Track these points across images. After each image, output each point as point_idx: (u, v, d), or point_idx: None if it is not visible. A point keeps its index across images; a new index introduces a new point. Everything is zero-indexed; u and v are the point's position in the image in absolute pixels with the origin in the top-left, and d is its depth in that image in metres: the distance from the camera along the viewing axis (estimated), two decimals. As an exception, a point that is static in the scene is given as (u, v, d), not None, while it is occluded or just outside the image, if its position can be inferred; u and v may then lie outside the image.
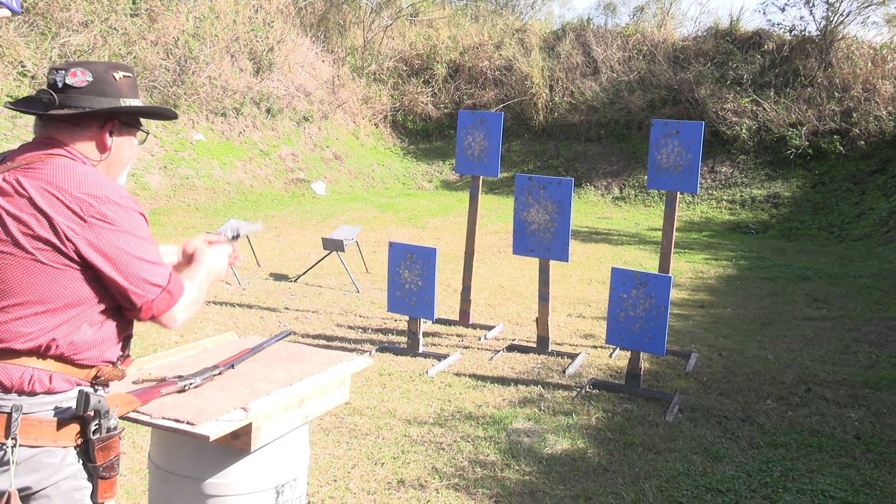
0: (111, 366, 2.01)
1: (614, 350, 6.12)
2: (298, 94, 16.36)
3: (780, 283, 9.09)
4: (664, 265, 5.92)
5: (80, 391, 1.86)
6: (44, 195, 1.81)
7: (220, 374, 2.59)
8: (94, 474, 1.95)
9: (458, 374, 5.38)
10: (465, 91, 19.01)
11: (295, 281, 8.08)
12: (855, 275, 9.61)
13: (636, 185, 15.99)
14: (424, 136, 18.73)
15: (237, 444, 2.33)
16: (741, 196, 14.89)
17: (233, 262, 2.40)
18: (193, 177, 12.62)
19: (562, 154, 17.39)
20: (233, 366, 2.68)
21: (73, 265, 1.83)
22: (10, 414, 1.80)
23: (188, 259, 2.30)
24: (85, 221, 1.82)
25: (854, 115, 14.99)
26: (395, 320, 6.72)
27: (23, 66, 11.90)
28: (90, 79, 1.96)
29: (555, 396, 5.04)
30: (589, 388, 5.20)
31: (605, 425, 4.58)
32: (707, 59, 17.41)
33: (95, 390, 1.97)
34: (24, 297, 1.81)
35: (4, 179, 1.84)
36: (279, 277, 8.23)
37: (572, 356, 5.90)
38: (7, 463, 1.80)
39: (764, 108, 15.86)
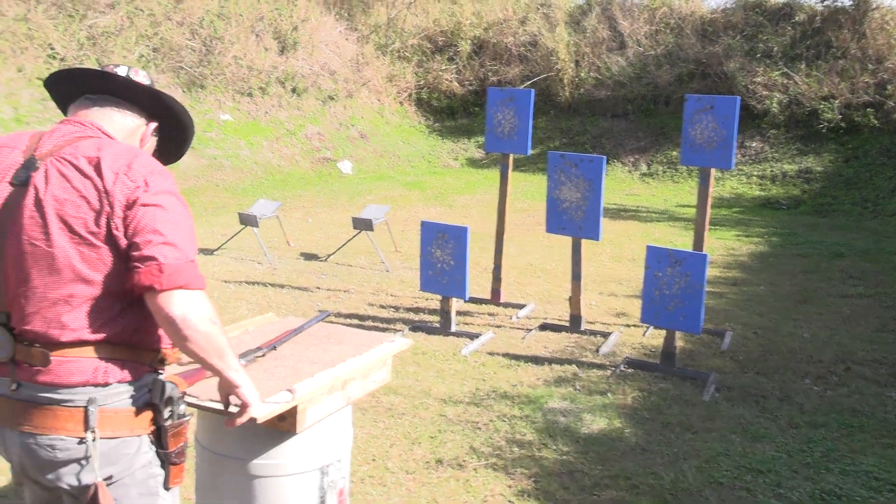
0: (172, 347, 1.98)
1: (647, 328, 6.07)
2: (323, 72, 16.32)
3: (813, 260, 8.95)
4: (698, 243, 5.85)
5: (154, 380, 1.87)
6: (89, 172, 1.77)
7: (263, 355, 2.60)
8: (165, 461, 1.96)
9: (491, 354, 5.37)
10: (489, 67, 18.83)
11: (325, 260, 8.10)
12: (891, 251, 9.43)
13: (664, 161, 15.80)
14: (449, 113, 18.61)
15: (283, 425, 2.34)
16: (772, 171, 14.66)
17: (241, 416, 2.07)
18: (221, 157, 12.67)
19: (588, 130, 17.21)
20: (275, 347, 2.68)
21: (122, 242, 1.77)
22: (86, 408, 1.78)
23: None
24: (130, 189, 1.77)
25: (889, 88, 14.64)
26: (427, 299, 6.72)
27: (52, 49, 11.97)
28: (149, 81, 2.04)
29: (589, 376, 5.02)
30: (623, 367, 5.17)
31: (642, 405, 4.55)
32: (736, 32, 17.07)
33: (160, 374, 1.96)
34: (88, 285, 1.77)
35: (46, 166, 1.79)
36: (309, 257, 8.26)
37: (605, 335, 5.86)
38: (89, 457, 1.80)
39: (795, 82, 15.54)
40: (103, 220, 1.76)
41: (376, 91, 17.72)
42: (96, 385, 1.79)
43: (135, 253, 1.76)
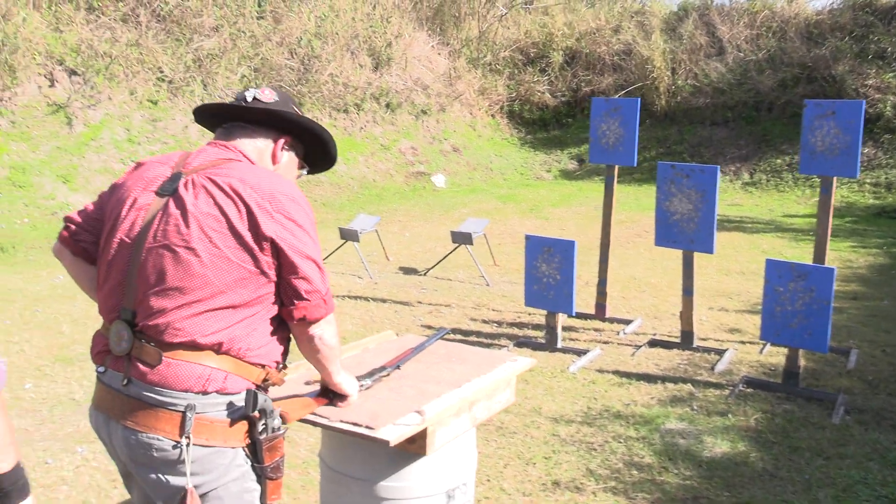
0: (276, 369, 2.01)
1: (764, 346, 5.78)
2: (416, 87, 16.48)
3: (941, 273, 8.38)
4: (820, 255, 5.53)
5: (248, 391, 1.87)
6: (237, 194, 1.87)
7: (387, 375, 2.56)
8: (261, 475, 1.96)
9: (600, 371, 5.21)
10: (582, 78, 18.60)
11: (424, 274, 8.11)
12: None
13: (768, 169, 15.17)
14: (541, 125, 18.47)
15: (412, 447, 2.29)
16: (886, 178, 13.85)
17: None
18: (319, 173, 12.90)
19: (686, 139, 16.73)
20: (398, 366, 2.64)
21: (259, 262, 1.86)
22: (184, 413, 1.83)
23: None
24: (273, 217, 1.87)
25: None
26: (529, 314, 6.61)
27: (161, 72, 12.52)
28: (276, 98, 2.12)
29: (706, 395, 4.80)
30: (742, 386, 4.92)
31: (766, 427, 4.30)
32: (844, 33, 16.28)
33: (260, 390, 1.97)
34: (213, 292, 1.84)
35: (193, 181, 1.91)
36: (408, 271, 8.28)
37: (719, 352, 5.61)
38: (182, 461, 1.83)
39: (911, 83, 14.68)
40: (241, 240, 1.85)
41: (468, 104, 17.77)
42: (197, 392, 1.83)
43: (300, 283, 1.90)
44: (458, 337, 5.90)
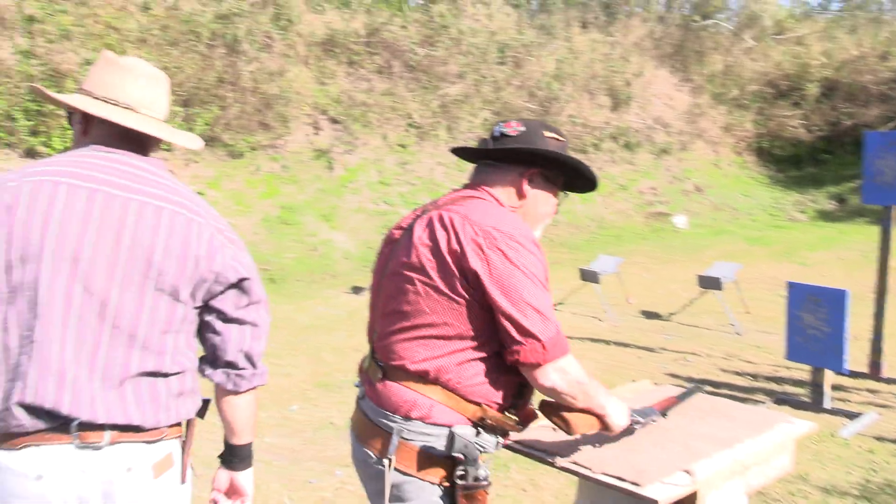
0: (499, 410, 1.92)
1: None
2: (656, 126, 16.09)
3: None
4: None
5: (450, 431, 1.83)
6: (453, 228, 1.86)
7: (654, 421, 2.42)
8: None
9: (879, 439, 4.61)
10: (842, 110, 17.08)
11: (668, 319, 7.76)
12: None
13: None
14: (794, 162, 17.17)
15: (680, 509, 2.14)
16: None
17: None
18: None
19: (973, 176, 14.66)
20: (665, 414, 2.49)
21: (468, 296, 1.83)
22: (389, 434, 1.86)
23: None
24: (483, 253, 1.82)
25: None
26: (788, 368, 6.05)
27: (410, 118, 13.35)
28: (523, 129, 2.05)
29: None
30: None
31: None
32: None
33: (478, 433, 1.90)
34: (425, 320, 1.86)
35: (429, 217, 1.94)
36: (650, 315, 7.98)
37: None
38: (383, 482, 1.86)
39: None
40: (449, 271, 1.84)
41: (712, 142, 17.01)
42: (402, 416, 1.86)
43: (510, 326, 1.80)
44: (709, 389, 5.53)
